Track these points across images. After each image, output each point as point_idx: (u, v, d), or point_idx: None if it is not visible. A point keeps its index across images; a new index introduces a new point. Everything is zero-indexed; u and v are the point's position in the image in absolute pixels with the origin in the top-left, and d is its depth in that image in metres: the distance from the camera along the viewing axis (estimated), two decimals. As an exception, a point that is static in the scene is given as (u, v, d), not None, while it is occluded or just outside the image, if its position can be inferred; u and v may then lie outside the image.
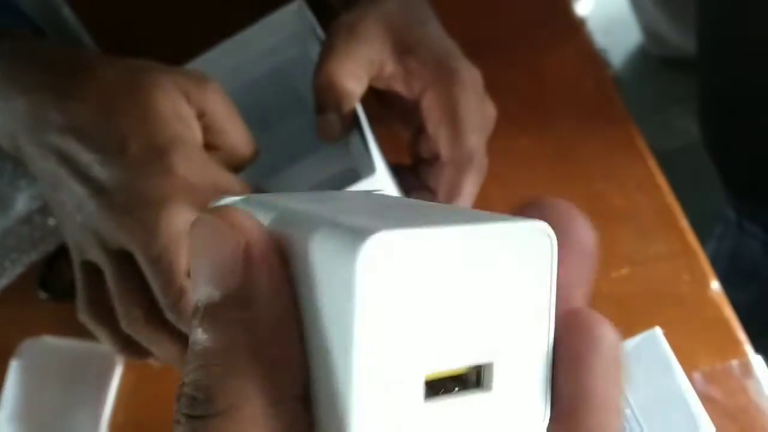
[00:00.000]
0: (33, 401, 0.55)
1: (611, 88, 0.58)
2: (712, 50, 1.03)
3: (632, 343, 0.38)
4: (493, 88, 0.57)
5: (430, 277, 0.19)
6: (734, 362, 0.46)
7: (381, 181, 0.46)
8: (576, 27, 0.60)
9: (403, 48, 0.49)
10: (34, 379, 0.56)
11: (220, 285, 0.19)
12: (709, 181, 1.23)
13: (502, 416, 0.20)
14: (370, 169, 0.46)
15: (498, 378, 0.20)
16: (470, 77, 0.49)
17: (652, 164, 0.54)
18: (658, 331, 0.38)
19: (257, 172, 0.53)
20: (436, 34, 0.50)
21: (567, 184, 0.54)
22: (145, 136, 0.44)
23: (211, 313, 0.19)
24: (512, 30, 0.61)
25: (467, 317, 0.20)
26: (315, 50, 0.55)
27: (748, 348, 0.47)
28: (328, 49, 0.49)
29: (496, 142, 0.53)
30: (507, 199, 0.55)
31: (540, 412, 0.21)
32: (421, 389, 0.19)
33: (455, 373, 0.20)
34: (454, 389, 0.20)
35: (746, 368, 0.46)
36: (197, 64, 0.57)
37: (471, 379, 0.20)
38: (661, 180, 0.53)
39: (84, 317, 0.48)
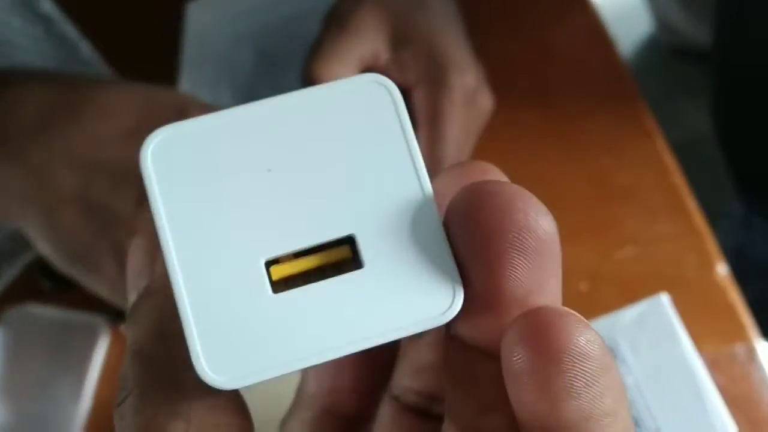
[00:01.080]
0: (16, 370, 0.54)
1: (620, 64, 0.57)
2: (728, 39, 1.02)
3: (637, 309, 0.36)
4: (499, 60, 0.55)
5: (244, 161, 0.17)
6: (739, 347, 0.44)
7: None
8: (584, 1, 0.59)
9: (399, 38, 0.48)
10: (17, 348, 0.54)
11: (136, 288, 0.20)
12: (715, 174, 1.22)
13: (391, 296, 0.17)
14: None
15: (368, 252, 0.17)
16: (459, 80, 0.47)
17: (660, 143, 0.52)
18: (663, 297, 0.37)
19: None
20: (437, 21, 0.49)
21: (572, 160, 0.53)
22: None
23: (130, 314, 0.20)
24: (520, 2, 0.59)
25: (302, 194, 0.17)
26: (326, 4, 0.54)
27: (754, 333, 0.45)
28: (316, 47, 0.48)
29: (500, 115, 0.51)
30: (510, 173, 0.53)
31: (447, 290, 0.17)
32: (264, 280, 0.17)
33: (317, 262, 0.17)
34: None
35: (751, 354, 0.44)
36: (207, 3, 0.57)
37: (342, 262, 0.17)
38: (669, 159, 0.52)
39: None
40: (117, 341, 0.56)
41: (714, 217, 1.33)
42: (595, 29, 0.58)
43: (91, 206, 0.41)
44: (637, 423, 0.35)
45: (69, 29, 0.62)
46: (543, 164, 0.53)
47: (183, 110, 0.41)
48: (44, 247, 0.43)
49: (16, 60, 0.58)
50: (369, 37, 0.47)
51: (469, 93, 0.48)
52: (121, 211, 0.40)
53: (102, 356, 0.55)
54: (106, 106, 0.42)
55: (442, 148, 0.47)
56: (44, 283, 0.57)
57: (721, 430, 0.32)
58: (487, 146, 0.52)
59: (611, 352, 0.36)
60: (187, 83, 0.57)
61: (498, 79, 0.53)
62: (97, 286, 0.44)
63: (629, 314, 0.36)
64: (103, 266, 0.42)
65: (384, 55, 0.48)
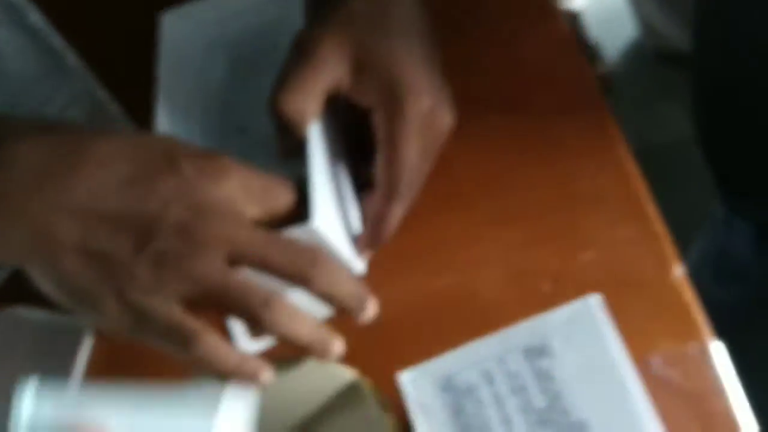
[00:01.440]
0: (1, 371, 0.55)
1: (587, 72, 0.59)
2: (708, 41, 1.03)
3: (570, 309, 0.38)
4: (469, 69, 0.57)
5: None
6: (693, 347, 0.46)
7: (322, 228, 0.46)
8: (554, 11, 0.61)
9: (360, 64, 0.50)
10: (3, 350, 0.56)
11: None
12: (700, 177, 1.23)
13: None
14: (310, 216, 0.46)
15: None
16: (415, 105, 0.50)
17: (623, 149, 0.54)
18: (595, 298, 0.38)
19: (236, 120, 0.55)
20: (398, 45, 0.51)
21: (536, 166, 0.55)
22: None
23: None
24: (491, 11, 0.61)
25: None
26: (297, 13, 0.56)
27: (708, 333, 0.47)
28: (282, 78, 0.51)
29: (467, 122, 0.53)
30: (479, 179, 0.55)
31: None
32: None
33: None
34: None
35: (704, 354, 0.46)
36: (181, 13, 0.59)
37: None
38: (630, 165, 0.53)
39: None
40: (101, 343, 0.58)
41: (698, 218, 1.35)
42: (563, 39, 0.60)
43: (91, 253, 0.43)
44: (566, 413, 0.37)
45: (56, 40, 0.64)
46: (510, 170, 0.55)
47: (172, 158, 0.44)
48: (47, 288, 0.45)
49: (2, 69, 0.60)
50: (332, 66, 0.50)
51: (425, 115, 0.50)
52: (120, 258, 0.42)
53: (86, 358, 0.57)
54: (102, 157, 0.44)
55: (397, 170, 0.50)
56: (31, 286, 0.58)
57: (642, 425, 0.34)
58: (456, 153, 0.54)
59: (544, 348, 0.38)
60: (163, 93, 0.59)
61: (468, 88, 0.55)
62: (98, 323, 0.47)
63: (563, 313, 0.38)
64: (105, 308, 0.44)
65: (346, 81, 0.51)
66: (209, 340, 0.42)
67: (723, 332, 1.32)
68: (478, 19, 0.61)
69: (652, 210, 0.51)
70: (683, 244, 1.39)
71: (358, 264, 0.51)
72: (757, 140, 1.05)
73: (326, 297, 0.43)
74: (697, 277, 1.37)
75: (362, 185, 0.53)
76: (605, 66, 1.45)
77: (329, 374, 0.47)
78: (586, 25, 1.44)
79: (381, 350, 0.49)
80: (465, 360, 0.41)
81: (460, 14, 0.61)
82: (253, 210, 0.44)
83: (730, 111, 1.05)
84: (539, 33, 0.60)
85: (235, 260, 0.42)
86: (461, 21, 0.61)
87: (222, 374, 0.43)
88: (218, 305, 0.43)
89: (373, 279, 0.51)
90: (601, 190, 0.53)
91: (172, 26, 0.61)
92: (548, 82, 0.58)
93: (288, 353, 0.45)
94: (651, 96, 1.43)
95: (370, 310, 0.43)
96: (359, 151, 0.54)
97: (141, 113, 0.60)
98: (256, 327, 0.44)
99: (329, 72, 0.50)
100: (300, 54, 0.51)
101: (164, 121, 0.57)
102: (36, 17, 0.64)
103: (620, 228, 0.51)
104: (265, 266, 0.43)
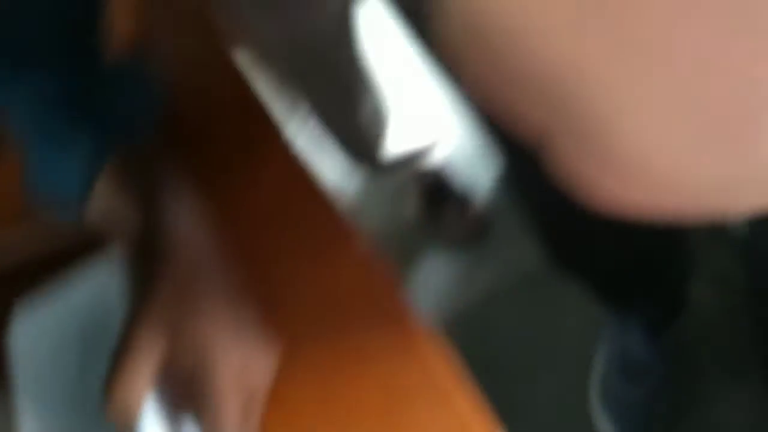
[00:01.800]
0: None
1: (394, 286, 0.64)
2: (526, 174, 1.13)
3: None
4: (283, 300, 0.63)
5: None
6: None
7: None
8: (356, 238, 0.67)
9: (174, 341, 0.56)
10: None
11: None
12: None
13: None
14: None
15: None
16: (226, 372, 0.56)
17: (432, 348, 0.60)
18: None
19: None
20: (207, 315, 0.57)
21: (360, 379, 0.60)
22: None
23: None
24: (298, 246, 0.68)
25: None
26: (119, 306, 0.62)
27: None
28: (110, 368, 0.56)
29: (293, 348, 0.60)
30: (310, 405, 0.61)
31: None
32: None
33: None
34: None
35: None
36: (29, 311, 0.63)
37: None
38: (441, 362, 0.59)
39: None
40: None
41: (598, 332, 1.41)
42: (368, 260, 0.66)
43: None
44: None
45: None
46: (342, 384, 0.61)
47: None
48: None
49: None
50: (149, 350, 0.56)
51: (237, 377, 0.56)
52: None
53: None
54: None
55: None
56: None
57: None
58: (286, 382, 0.60)
59: None
60: (21, 395, 0.63)
61: (285, 318, 0.62)
62: None
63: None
64: None
65: (165, 357, 0.56)
66: None
67: (644, 427, 1.36)
68: (286, 260, 0.67)
69: (466, 405, 0.57)
70: (589, 359, 1.45)
71: None
72: (611, 246, 1.13)
73: None
74: (610, 383, 1.43)
75: None
76: (477, 209, 1.52)
77: None
78: (453, 173, 1.52)
79: None
80: None
81: (266, 257, 0.68)
82: None
83: (576, 228, 1.13)
84: (348, 256, 0.67)
85: None
86: (268, 262, 0.67)
87: None
88: None
89: None
90: (417, 389, 0.58)
91: (19, 334, 0.65)
92: (361, 298, 0.64)
93: None
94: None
95: None
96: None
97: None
98: None
99: (148, 355, 0.55)
100: (123, 344, 0.56)
101: (27, 424, 0.62)
102: None
103: (436, 425, 0.57)
104: None
